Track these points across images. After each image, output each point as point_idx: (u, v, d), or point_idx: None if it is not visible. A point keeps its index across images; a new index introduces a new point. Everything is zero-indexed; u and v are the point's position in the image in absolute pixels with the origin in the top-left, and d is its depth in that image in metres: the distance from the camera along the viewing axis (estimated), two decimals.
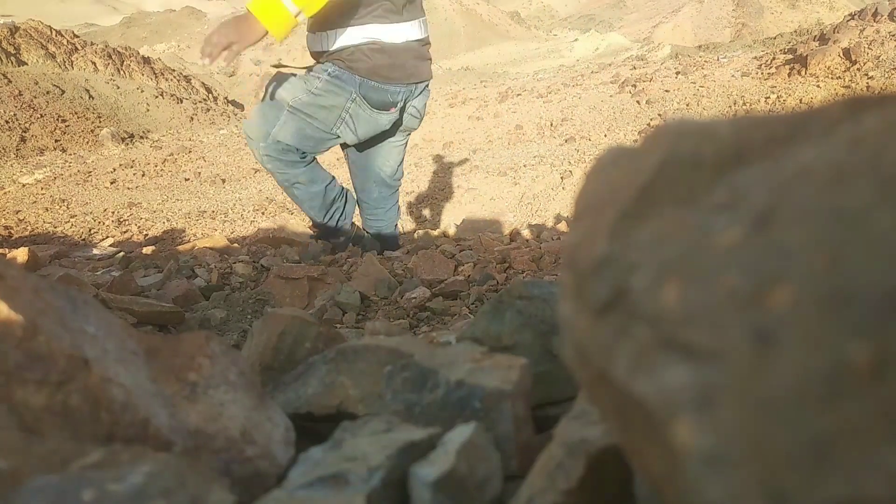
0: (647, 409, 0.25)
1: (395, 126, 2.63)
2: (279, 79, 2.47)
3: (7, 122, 8.54)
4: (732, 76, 8.03)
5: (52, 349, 0.45)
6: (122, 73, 11.92)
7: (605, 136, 6.57)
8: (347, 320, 1.91)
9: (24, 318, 0.45)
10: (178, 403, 0.51)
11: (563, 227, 4.09)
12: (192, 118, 10.81)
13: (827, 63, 7.08)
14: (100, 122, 9.79)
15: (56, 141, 8.69)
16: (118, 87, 11.25)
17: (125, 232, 4.73)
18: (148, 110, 11.03)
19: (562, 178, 5.33)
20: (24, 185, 6.27)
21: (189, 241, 3.53)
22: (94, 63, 11.54)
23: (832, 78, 6.85)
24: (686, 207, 0.29)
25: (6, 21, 11.72)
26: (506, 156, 6.24)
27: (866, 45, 7.03)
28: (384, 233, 2.94)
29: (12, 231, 4.78)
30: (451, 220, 4.91)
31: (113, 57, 11.99)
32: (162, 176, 6.52)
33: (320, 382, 0.62)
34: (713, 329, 0.24)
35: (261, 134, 2.43)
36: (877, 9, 8.52)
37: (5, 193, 6.01)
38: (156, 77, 12.49)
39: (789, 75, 7.35)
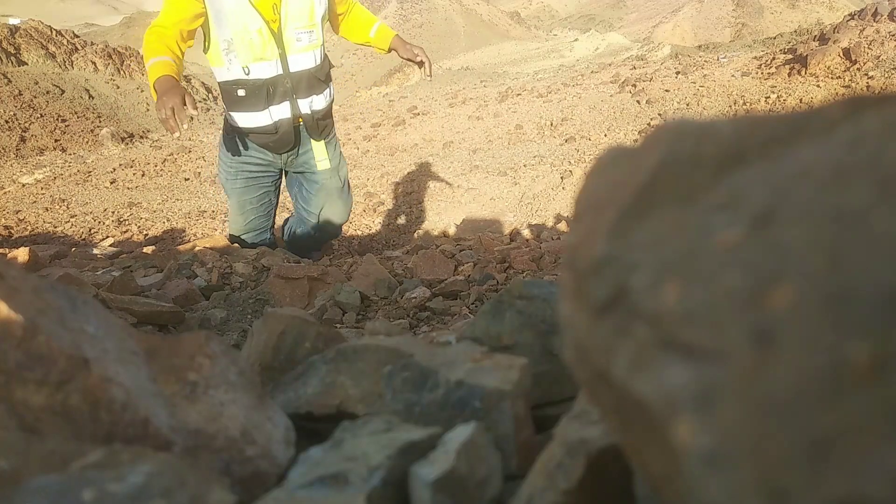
0: (646, 409, 0.25)
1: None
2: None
3: (7, 121, 8.54)
4: (732, 76, 8.03)
5: (52, 349, 0.45)
6: (122, 73, 11.91)
7: (605, 135, 6.56)
8: (347, 320, 1.91)
9: (24, 318, 0.45)
10: (178, 403, 0.51)
11: (563, 227, 4.09)
12: (191, 118, 10.90)
13: (827, 63, 7.08)
14: (100, 121, 9.78)
15: (56, 141, 8.68)
16: (118, 87, 11.25)
17: (125, 232, 4.73)
18: (148, 110, 11.02)
19: (562, 177, 5.33)
20: (24, 185, 6.27)
21: (189, 241, 3.53)
22: (94, 63, 11.54)
23: (832, 78, 6.86)
24: (686, 207, 0.29)
25: (6, 21, 11.72)
26: (506, 156, 6.24)
27: (866, 45, 7.03)
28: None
29: (12, 231, 4.78)
30: (451, 220, 4.90)
31: (113, 57, 11.98)
32: (162, 176, 6.51)
33: (320, 382, 0.62)
34: (713, 329, 0.24)
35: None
36: (877, 9, 8.53)
37: (5, 193, 6.01)
38: None
39: (789, 75, 7.35)
